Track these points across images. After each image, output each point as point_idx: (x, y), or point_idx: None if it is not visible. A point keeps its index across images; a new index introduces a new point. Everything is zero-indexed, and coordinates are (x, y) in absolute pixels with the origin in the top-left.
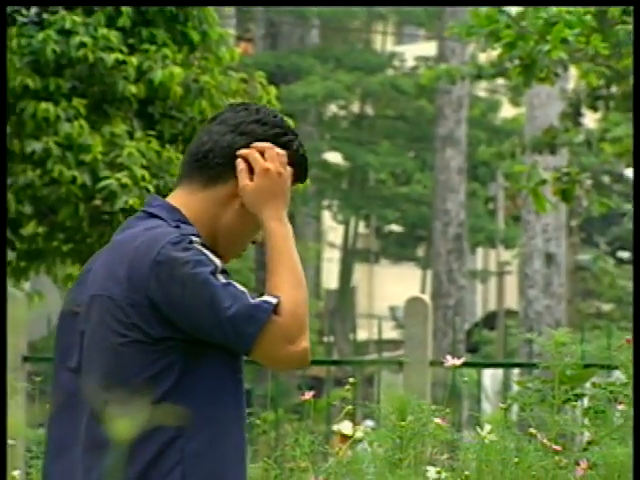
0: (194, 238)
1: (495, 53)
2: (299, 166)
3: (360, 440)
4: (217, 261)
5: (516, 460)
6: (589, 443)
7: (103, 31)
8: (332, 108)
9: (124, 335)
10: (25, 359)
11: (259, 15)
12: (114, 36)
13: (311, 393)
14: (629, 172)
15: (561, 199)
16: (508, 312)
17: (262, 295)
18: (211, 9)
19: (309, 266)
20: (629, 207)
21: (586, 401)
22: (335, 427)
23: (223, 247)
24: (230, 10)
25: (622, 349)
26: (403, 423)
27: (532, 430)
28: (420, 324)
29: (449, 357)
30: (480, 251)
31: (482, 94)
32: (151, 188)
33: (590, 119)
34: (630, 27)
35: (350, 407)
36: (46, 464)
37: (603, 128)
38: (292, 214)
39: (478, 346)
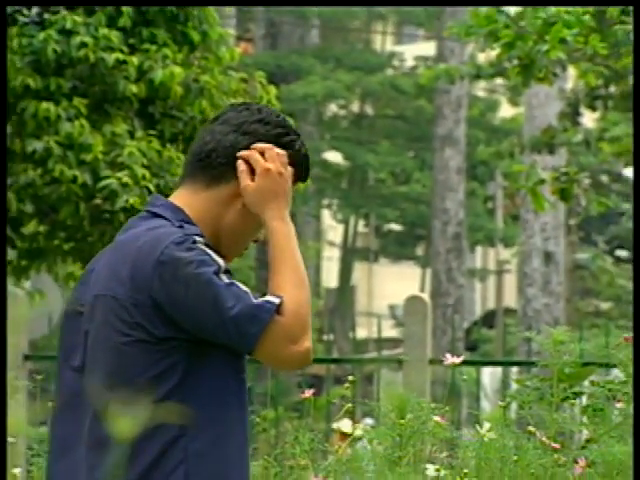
0: (197, 238)
1: (494, 53)
2: (301, 166)
3: (360, 438)
4: (220, 261)
5: (515, 458)
6: (587, 441)
7: (104, 31)
8: (332, 108)
9: (128, 335)
10: (26, 357)
11: (259, 15)
12: (115, 36)
13: (311, 391)
14: (627, 171)
15: (560, 198)
16: (507, 310)
17: (265, 295)
18: (211, 9)
19: (309, 265)
20: (627, 206)
21: (584, 399)
22: (335, 425)
23: (226, 246)
24: (230, 10)
25: (620, 347)
26: (402, 421)
27: (531, 428)
28: (419, 322)
29: (448, 355)
30: (479, 250)
31: (481, 94)
32: (152, 187)
33: (588, 119)
34: (628, 27)
35: (350, 405)
36: (50, 463)
37: (601, 128)
38: (292, 213)
39: (477, 344)
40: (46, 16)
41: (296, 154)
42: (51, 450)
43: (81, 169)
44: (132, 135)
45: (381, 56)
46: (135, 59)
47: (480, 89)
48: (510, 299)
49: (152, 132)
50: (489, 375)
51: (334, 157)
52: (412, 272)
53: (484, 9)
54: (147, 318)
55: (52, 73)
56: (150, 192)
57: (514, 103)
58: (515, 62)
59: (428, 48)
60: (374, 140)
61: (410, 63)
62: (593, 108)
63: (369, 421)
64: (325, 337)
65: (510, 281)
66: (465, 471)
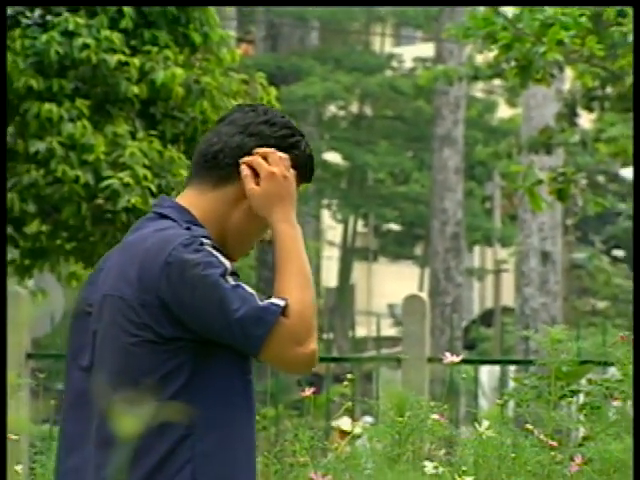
0: (205, 240)
1: (492, 54)
2: (306, 166)
3: (359, 436)
4: (227, 263)
5: (513, 455)
6: (585, 439)
7: (106, 33)
8: (331, 108)
9: (135, 335)
10: (29, 356)
11: (259, 17)
12: (117, 38)
13: (311, 389)
14: (624, 172)
15: (557, 198)
16: (505, 309)
17: (270, 297)
18: (212, 11)
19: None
20: (624, 206)
21: (582, 397)
22: (334, 423)
23: (232, 246)
24: (231, 11)
25: (617, 346)
26: (401, 419)
27: (529, 426)
28: (418, 321)
29: (448, 354)
30: (477, 249)
31: (479, 95)
32: (153, 187)
33: (585, 119)
34: (625, 29)
35: (349, 403)
36: (58, 461)
37: (598, 128)
38: None
39: (475, 343)
40: (49, 18)
41: (301, 155)
42: (60, 448)
43: (83, 169)
44: (134, 136)
45: (380, 57)
46: (137, 60)
47: (478, 90)
48: (508, 298)
49: (153, 133)
50: (487, 373)
51: (333, 157)
52: (411, 271)
53: (481, 9)
54: (154, 319)
55: (55, 74)
56: (151, 192)
57: (512, 104)
58: (513, 63)
59: (427, 49)
60: (373, 140)
61: (409, 64)
62: (590, 109)
63: (368, 419)
64: (325, 336)
65: (508, 280)
66: (463, 468)
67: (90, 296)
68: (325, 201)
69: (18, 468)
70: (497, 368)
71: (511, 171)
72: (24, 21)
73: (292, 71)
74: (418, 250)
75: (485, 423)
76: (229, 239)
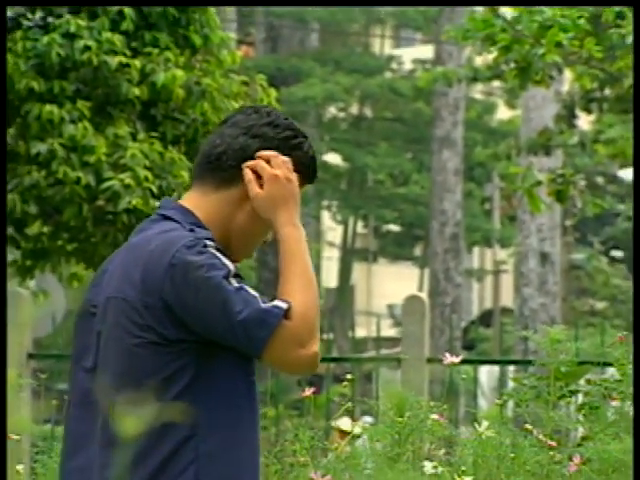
0: (208, 242)
1: (491, 56)
2: (308, 167)
3: (359, 436)
4: (230, 265)
5: (512, 455)
6: (583, 439)
7: (107, 35)
8: (331, 110)
9: (139, 336)
10: (30, 356)
11: (260, 19)
12: (118, 39)
13: (311, 390)
14: (622, 173)
15: (555, 200)
16: (504, 310)
17: (273, 299)
18: (213, 13)
19: None
20: (622, 207)
21: (580, 397)
22: (334, 423)
23: (235, 248)
24: (231, 13)
25: (615, 346)
26: (401, 419)
27: (528, 426)
28: (417, 322)
29: (447, 354)
30: (476, 250)
31: (478, 96)
32: (154, 189)
33: (584, 121)
34: (623, 31)
35: (349, 404)
36: (63, 461)
37: (597, 130)
38: None
39: (474, 343)
40: (50, 20)
41: (304, 156)
42: (64, 448)
43: (84, 171)
44: (134, 137)
45: (380, 59)
46: (138, 62)
47: (477, 92)
48: (507, 299)
49: (154, 134)
50: (486, 373)
51: (333, 159)
52: (410, 272)
53: (481, 10)
54: (158, 320)
55: (56, 76)
56: (152, 193)
57: (511, 105)
58: (512, 65)
59: (426, 51)
60: (373, 142)
61: (408, 66)
62: (588, 110)
63: (368, 419)
64: (325, 336)
65: (507, 281)
66: (463, 468)
67: (94, 297)
68: (325, 202)
69: (19, 468)
70: (496, 368)
71: (510, 172)
72: (25, 23)
73: (292, 73)
74: (417, 251)
75: (484, 423)
76: (233, 240)
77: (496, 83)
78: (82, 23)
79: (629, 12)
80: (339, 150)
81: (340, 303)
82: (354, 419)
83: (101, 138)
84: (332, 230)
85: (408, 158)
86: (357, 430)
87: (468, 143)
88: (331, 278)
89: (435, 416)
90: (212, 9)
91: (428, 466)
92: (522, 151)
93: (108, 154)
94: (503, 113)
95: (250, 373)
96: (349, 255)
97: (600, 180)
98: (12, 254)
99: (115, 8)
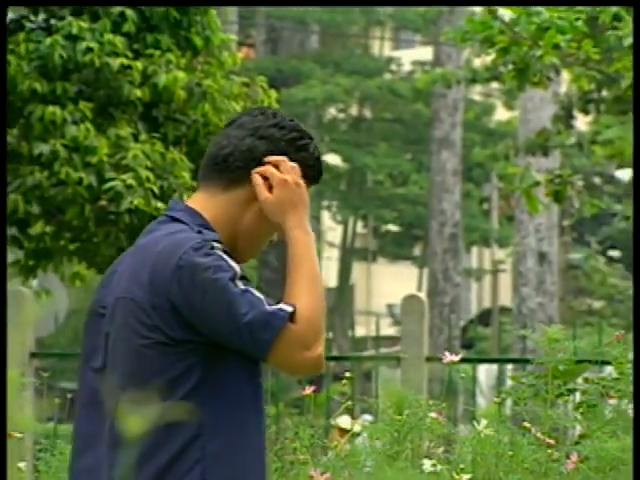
0: (215, 244)
1: (489, 58)
2: (314, 168)
3: (359, 434)
4: (237, 267)
5: (510, 453)
6: (581, 437)
7: (109, 36)
8: (331, 111)
9: (146, 337)
10: (33, 355)
11: (260, 21)
12: (119, 41)
13: (311, 388)
14: (619, 173)
15: (553, 200)
16: (502, 309)
17: (279, 302)
18: (214, 15)
19: None
20: (619, 208)
21: (578, 396)
22: (334, 421)
23: (242, 248)
24: (232, 14)
25: (613, 345)
26: (400, 417)
27: (526, 424)
28: (417, 321)
29: (447, 353)
30: (475, 250)
31: (477, 98)
32: (155, 189)
33: (582, 122)
34: (620, 32)
35: (349, 402)
36: (72, 461)
37: (594, 131)
38: None
39: (473, 342)
40: (52, 22)
41: (310, 157)
42: (73, 448)
43: (86, 171)
44: (136, 138)
45: (379, 61)
46: (139, 64)
47: (476, 93)
48: (505, 298)
49: (156, 135)
50: (485, 372)
51: (333, 159)
52: (409, 272)
53: (479, 10)
54: (165, 321)
55: (58, 77)
56: (154, 194)
57: (509, 107)
58: (510, 67)
59: (425, 53)
60: (372, 143)
61: (407, 68)
62: (586, 111)
63: (368, 417)
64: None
65: (505, 280)
66: (461, 466)
67: (103, 298)
68: (325, 202)
69: (22, 465)
70: (495, 367)
71: (508, 173)
72: (28, 25)
73: (292, 74)
74: (417, 251)
75: (483, 421)
76: (240, 241)
77: (494, 84)
78: (84, 25)
79: (626, 14)
80: (339, 151)
81: (340, 302)
82: (354, 417)
83: (103, 139)
84: (332, 230)
85: (407, 159)
86: (357, 428)
87: (467, 144)
88: (331, 278)
89: (434, 414)
90: (213, 11)
91: (427, 464)
92: (520, 152)
93: (110, 155)
94: (501, 114)
95: (256, 375)
96: (349, 255)
97: (597, 180)
98: (15, 254)
99: (117, 10)
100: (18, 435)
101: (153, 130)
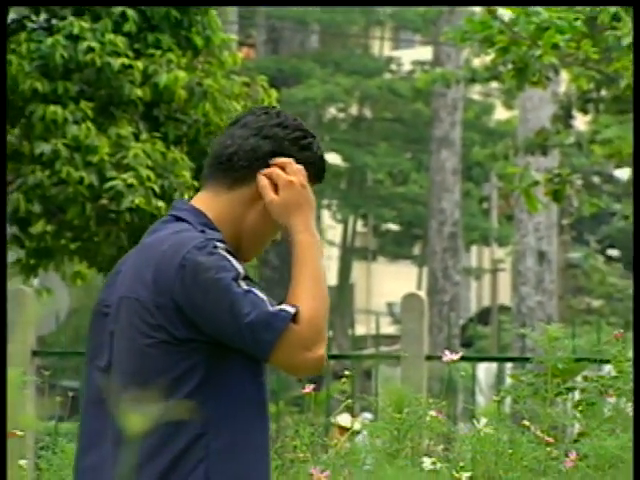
0: (218, 243)
1: (489, 58)
2: (318, 167)
3: (358, 432)
4: (239, 267)
5: (509, 451)
6: (580, 435)
7: (110, 36)
8: (331, 111)
9: (150, 336)
10: (34, 353)
11: (261, 21)
12: (120, 41)
13: (311, 386)
14: (618, 173)
15: (552, 199)
16: (501, 308)
17: (282, 302)
18: (214, 15)
19: None
20: (618, 207)
21: (577, 394)
22: (334, 419)
23: (246, 247)
24: (233, 14)
25: (612, 343)
26: (400, 415)
27: (525, 422)
28: (416, 320)
29: (447, 352)
30: (474, 249)
31: (476, 97)
32: (156, 188)
33: (580, 121)
34: (619, 32)
35: (349, 400)
36: (77, 459)
37: (593, 130)
38: None
39: (472, 341)
40: (54, 22)
41: (313, 156)
42: (79, 446)
43: (87, 170)
44: (137, 137)
45: (379, 61)
46: (140, 63)
47: (475, 93)
48: (504, 297)
49: (156, 134)
50: (484, 370)
51: (333, 159)
52: (409, 271)
53: (478, 10)
54: (168, 320)
55: (60, 77)
56: (155, 193)
57: (508, 106)
58: (509, 66)
59: (425, 53)
60: (372, 142)
61: (407, 67)
62: (585, 111)
63: (368, 416)
64: None
65: (504, 279)
66: (461, 464)
67: (108, 297)
68: (325, 201)
69: (23, 463)
70: (494, 365)
71: (508, 172)
72: (30, 25)
73: (293, 74)
74: (416, 250)
75: (483, 420)
76: (244, 240)
77: (494, 84)
78: (85, 25)
79: (625, 14)
80: (339, 150)
81: (340, 301)
82: (354, 415)
83: (104, 138)
84: (332, 229)
85: (407, 158)
86: (357, 426)
87: (466, 143)
88: (331, 276)
89: (434, 412)
90: (214, 11)
91: (427, 462)
92: (519, 151)
93: (111, 154)
94: (501, 114)
95: (260, 374)
96: (349, 254)
97: (596, 180)
98: (16, 253)
99: (118, 10)
100: (19, 433)
101: (154, 129)
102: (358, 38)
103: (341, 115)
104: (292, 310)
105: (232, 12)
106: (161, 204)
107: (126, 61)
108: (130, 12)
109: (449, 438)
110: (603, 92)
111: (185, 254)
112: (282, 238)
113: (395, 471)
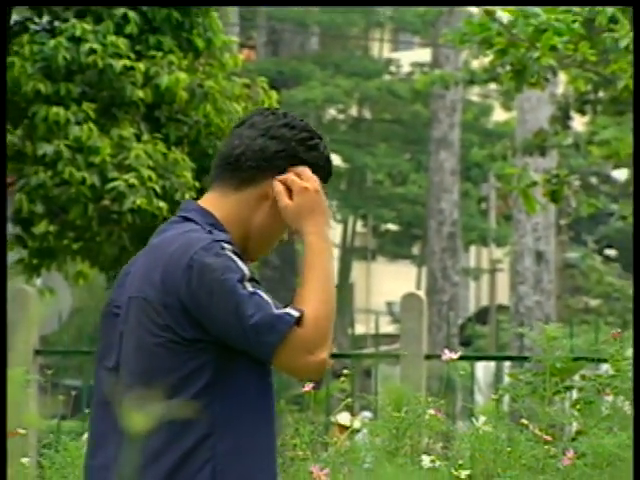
0: (225, 244)
1: (487, 59)
2: (324, 167)
3: (358, 430)
4: (245, 269)
5: (508, 449)
6: (578, 433)
7: (112, 38)
8: (331, 112)
9: (158, 336)
10: (37, 352)
11: (261, 23)
12: (122, 43)
13: (311, 385)
14: (616, 173)
15: (550, 200)
16: (500, 307)
17: (287, 305)
18: (215, 17)
19: None
20: (616, 207)
21: (575, 393)
22: (334, 418)
23: (253, 247)
24: (234, 15)
25: (609, 343)
26: (399, 414)
27: (523, 420)
28: (415, 319)
29: (446, 351)
30: (473, 249)
31: (475, 99)
32: (157, 189)
33: (578, 122)
34: (616, 34)
35: (349, 399)
36: (87, 459)
37: (591, 131)
38: None
39: (471, 340)
40: (56, 24)
41: (320, 156)
42: (88, 446)
43: (90, 171)
44: (139, 138)
45: (378, 62)
46: (142, 65)
47: (474, 94)
48: (503, 296)
49: (158, 135)
50: (482, 369)
51: (333, 159)
52: (408, 270)
53: (477, 12)
54: (175, 320)
55: (62, 79)
56: (156, 193)
57: (507, 107)
58: (508, 68)
59: (424, 55)
60: (372, 143)
61: (406, 69)
62: (583, 112)
63: (367, 414)
64: None
65: (503, 279)
66: (460, 462)
67: (118, 298)
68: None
69: (25, 460)
70: (492, 364)
71: (506, 173)
72: (32, 27)
73: (293, 75)
74: (415, 250)
75: (481, 418)
76: (251, 240)
77: (492, 86)
78: (87, 27)
79: (622, 16)
80: (339, 151)
81: (339, 301)
82: (353, 414)
83: (106, 139)
84: (332, 229)
85: (406, 159)
86: (356, 425)
87: (465, 144)
88: None
89: (433, 411)
90: (215, 13)
91: (426, 460)
92: (518, 152)
93: (113, 155)
94: (499, 115)
95: (267, 374)
96: (348, 254)
97: (594, 180)
98: (19, 253)
99: (120, 12)
100: (22, 431)
101: (155, 130)
102: (358, 40)
103: (341, 116)
104: (296, 313)
105: (233, 13)
106: (162, 204)
107: (128, 63)
108: (132, 14)
109: (448, 436)
110: (601, 93)
111: (192, 255)
112: (290, 240)
113: (394, 469)
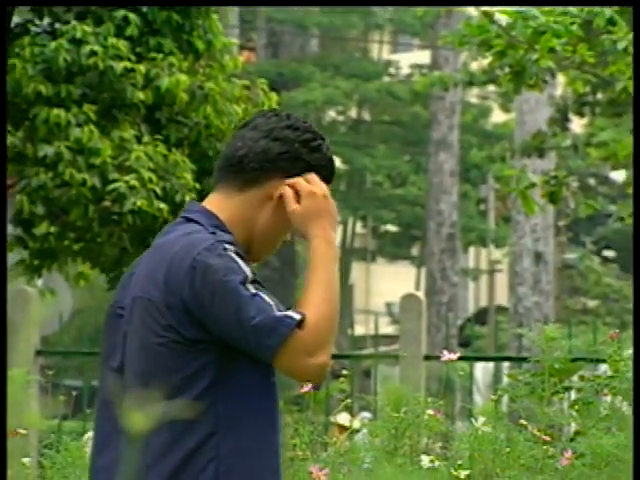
0: (228, 245)
1: (486, 61)
2: (327, 168)
3: (358, 431)
4: (248, 270)
5: (507, 450)
6: (576, 433)
7: (112, 40)
8: (331, 114)
9: (161, 336)
10: (38, 353)
11: (261, 25)
12: (123, 45)
13: (311, 385)
14: (614, 175)
15: (549, 201)
16: (498, 308)
17: (289, 308)
18: (215, 19)
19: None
20: (614, 208)
21: (573, 393)
22: (333, 418)
23: (257, 248)
24: (234, 17)
25: (608, 343)
26: (398, 414)
27: (522, 421)
28: (415, 320)
29: (445, 352)
30: (472, 250)
31: (474, 100)
32: (158, 190)
33: (577, 124)
34: (614, 36)
35: (348, 400)
36: (92, 459)
37: (589, 133)
38: None
39: (470, 341)
40: (57, 26)
41: (323, 157)
42: (93, 446)
43: (90, 173)
44: (139, 140)
45: (378, 64)
46: (142, 67)
47: (473, 96)
48: (502, 297)
49: (158, 137)
50: (481, 370)
51: None
52: (408, 271)
53: (476, 13)
54: (178, 320)
55: (63, 80)
56: (157, 195)
57: (505, 109)
58: (506, 70)
59: (423, 56)
60: (371, 144)
61: (406, 71)
62: (581, 114)
63: (366, 414)
64: None
65: (502, 280)
66: (459, 462)
67: (122, 299)
68: None
69: (26, 460)
70: (491, 365)
71: (505, 174)
72: (33, 29)
73: (292, 77)
74: (415, 251)
75: (480, 419)
76: (255, 241)
77: (491, 87)
78: (88, 29)
79: (620, 18)
80: (338, 153)
81: (339, 301)
82: (353, 414)
83: (107, 141)
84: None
85: (405, 160)
86: (356, 425)
87: (464, 145)
88: None
89: (432, 411)
90: (215, 15)
91: (425, 460)
92: (516, 153)
93: (113, 156)
94: (498, 116)
95: (270, 374)
96: (348, 255)
97: (592, 182)
98: (20, 254)
99: (120, 14)
100: (23, 432)
101: (156, 132)
102: (357, 42)
103: (340, 118)
104: (298, 316)
105: (233, 15)
106: (163, 206)
107: (128, 65)
108: (132, 16)
109: (447, 437)
110: (599, 95)
111: (195, 255)
112: (294, 241)
113: (394, 469)
